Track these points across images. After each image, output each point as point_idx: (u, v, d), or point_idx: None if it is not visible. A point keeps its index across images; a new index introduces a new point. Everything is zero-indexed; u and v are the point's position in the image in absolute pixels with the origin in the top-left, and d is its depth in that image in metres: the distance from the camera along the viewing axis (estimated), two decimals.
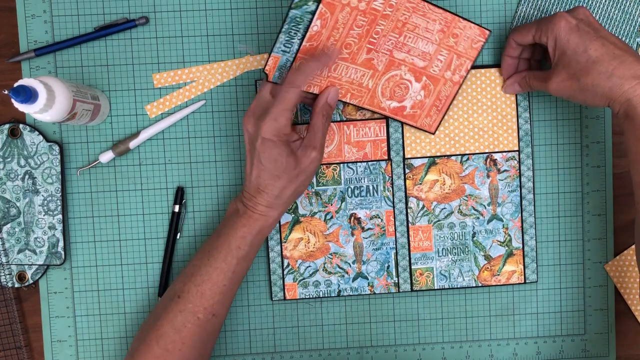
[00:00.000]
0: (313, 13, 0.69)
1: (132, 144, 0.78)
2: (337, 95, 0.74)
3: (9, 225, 0.78)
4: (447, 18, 0.73)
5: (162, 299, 0.73)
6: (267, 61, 0.71)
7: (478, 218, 0.80)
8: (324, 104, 0.73)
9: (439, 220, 0.80)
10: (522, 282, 0.81)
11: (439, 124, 0.78)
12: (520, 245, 0.80)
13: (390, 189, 0.80)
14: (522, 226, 0.80)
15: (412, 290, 0.80)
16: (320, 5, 0.68)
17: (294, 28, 0.69)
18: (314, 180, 0.79)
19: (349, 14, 0.70)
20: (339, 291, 0.80)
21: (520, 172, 0.80)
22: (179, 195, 0.79)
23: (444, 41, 0.74)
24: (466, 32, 0.73)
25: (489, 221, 0.80)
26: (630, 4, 0.80)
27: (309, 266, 0.80)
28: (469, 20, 0.74)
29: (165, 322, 0.71)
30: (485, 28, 0.74)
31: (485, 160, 0.80)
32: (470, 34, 0.74)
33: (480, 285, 0.81)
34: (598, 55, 0.67)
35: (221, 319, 0.73)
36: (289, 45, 0.70)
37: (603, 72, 0.67)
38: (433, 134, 0.78)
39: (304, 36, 0.70)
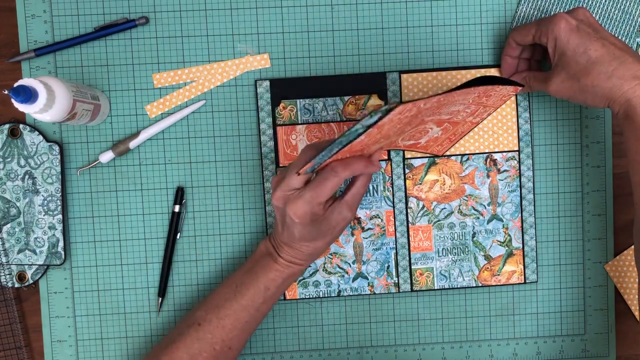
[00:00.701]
0: (370, 126, 0.59)
1: (132, 144, 0.78)
2: (379, 167, 0.69)
3: (9, 225, 0.78)
4: (487, 88, 0.67)
5: (181, 323, 0.74)
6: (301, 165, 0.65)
7: (478, 218, 0.80)
8: (367, 176, 0.70)
9: (439, 220, 0.80)
10: (522, 282, 0.81)
11: (448, 149, 0.78)
12: (520, 245, 0.80)
13: (390, 189, 0.80)
14: (522, 226, 0.80)
15: (412, 290, 0.80)
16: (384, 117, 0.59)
17: (338, 145, 0.62)
18: None
19: (400, 116, 0.61)
20: (339, 291, 0.80)
21: (520, 172, 0.80)
22: (179, 195, 0.79)
23: (475, 100, 0.70)
24: (501, 91, 0.70)
25: (489, 221, 0.80)
26: (630, 4, 0.80)
27: (309, 266, 0.80)
28: (505, 84, 0.68)
29: (182, 347, 0.71)
30: (518, 84, 0.69)
31: (485, 160, 0.80)
32: (504, 92, 0.71)
33: (480, 285, 0.81)
34: (598, 55, 0.67)
35: (236, 353, 0.74)
36: (328, 153, 0.64)
37: (603, 73, 0.67)
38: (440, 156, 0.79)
39: (347, 144, 0.62)
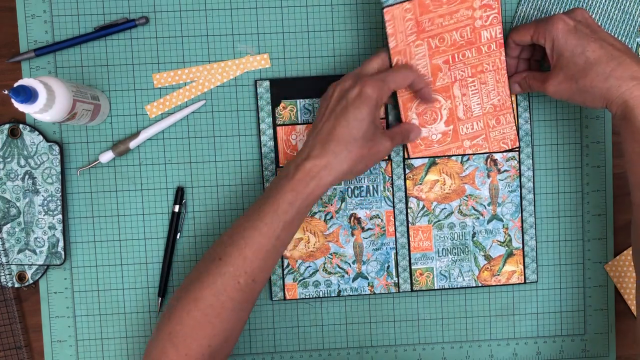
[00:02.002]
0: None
1: (132, 144, 0.78)
2: (419, 136, 0.77)
3: (9, 225, 0.78)
4: (506, 102, 0.77)
5: (201, 262, 0.71)
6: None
7: (478, 218, 0.80)
8: (408, 131, 0.76)
9: (439, 221, 0.80)
10: (522, 282, 0.81)
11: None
12: (520, 245, 0.80)
13: (390, 189, 0.80)
14: (522, 226, 0.80)
15: (412, 290, 0.80)
16: None
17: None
18: None
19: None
20: (339, 291, 0.80)
21: (520, 172, 0.80)
22: (179, 195, 0.79)
23: (487, 116, 0.77)
24: (505, 127, 0.76)
25: (489, 221, 0.80)
26: (630, 4, 0.80)
27: (309, 266, 0.80)
28: (515, 119, 0.78)
29: (205, 285, 0.69)
30: (517, 144, 0.78)
31: (486, 160, 0.80)
32: (507, 133, 0.77)
33: (480, 285, 0.81)
34: (596, 56, 0.67)
35: (260, 286, 0.71)
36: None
37: (601, 74, 0.67)
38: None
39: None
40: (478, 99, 0.77)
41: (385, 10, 0.72)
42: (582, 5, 0.79)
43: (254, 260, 0.69)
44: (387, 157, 0.79)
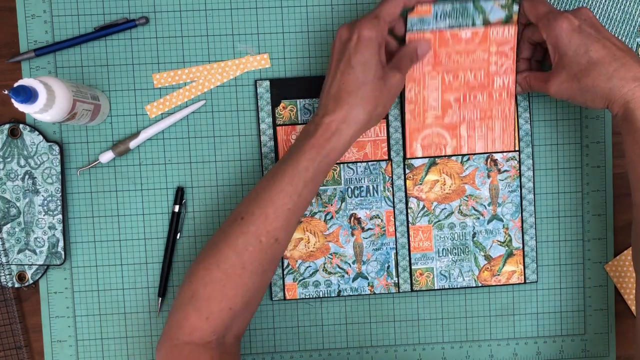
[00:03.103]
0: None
1: (132, 144, 0.78)
2: (428, 51, 0.75)
3: (9, 225, 0.78)
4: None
5: (224, 223, 0.71)
6: None
7: (478, 218, 0.80)
8: (414, 49, 0.73)
9: (439, 221, 0.80)
10: (522, 282, 0.81)
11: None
12: (520, 245, 0.80)
13: (391, 189, 0.80)
14: (522, 226, 0.80)
15: (412, 290, 0.80)
16: None
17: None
18: None
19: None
20: (339, 291, 0.80)
21: (520, 172, 0.80)
22: (179, 195, 0.79)
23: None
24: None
25: (489, 221, 0.80)
26: (630, 4, 0.80)
27: (309, 266, 0.80)
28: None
29: (227, 244, 0.68)
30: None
31: (486, 160, 0.80)
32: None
33: (480, 285, 0.81)
34: (599, 57, 0.67)
35: (283, 246, 0.71)
36: None
37: (603, 74, 0.67)
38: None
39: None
40: (483, 143, 0.79)
41: (408, 36, 0.75)
42: (583, 5, 0.79)
43: (275, 219, 0.68)
44: (387, 158, 0.79)
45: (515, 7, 0.75)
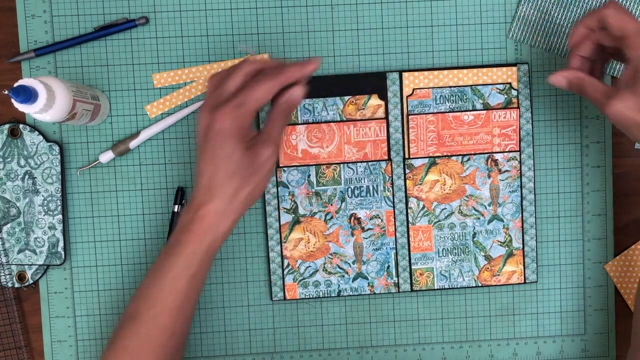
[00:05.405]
0: None
1: (132, 144, 0.78)
2: (303, 94, 0.68)
3: (9, 225, 0.78)
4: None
5: (118, 322, 0.70)
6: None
7: (478, 218, 0.80)
8: (285, 101, 0.68)
9: (439, 221, 0.80)
10: (522, 282, 0.81)
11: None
12: (521, 246, 0.80)
13: (391, 189, 0.80)
14: (522, 226, 0.80)
15: (412, 290, 0.80)
16: None
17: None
18: (314, 180, 0.79)
19: None
20: (339, 291, 0.80)
21: (521, 172, 0.80)
22: (179, 195, 0.79)
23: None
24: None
25: (490, 221, 0.80)
26: (630, 4, 0.80)
27: (309, 266, 0.80)
28: None
29: (123, 347, 0.67)
30: None
31: (486, 160, 0.79)
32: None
33: (480, 285, 0.81)
34: None
35: (181, 339, 0.69)
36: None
37: None
38: None
39: None
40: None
41: (410, 117, 0.78)
42: (584, 6, 0.79)
43: (167, 316, 0.66)
44: (387, 158, 0.79)
45: (514, 92, 0.78)
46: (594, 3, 0.79)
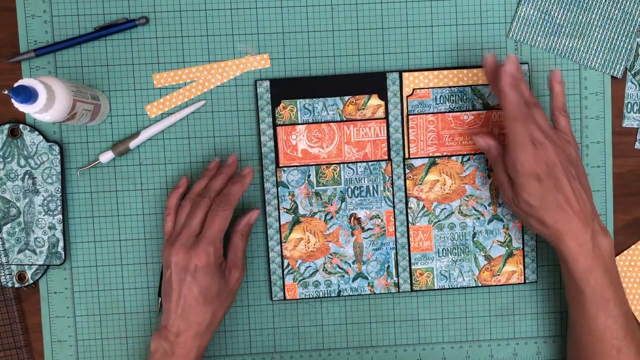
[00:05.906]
0: None
1: (132, 144, 0.78)
2: (257, 217, 0.76)
3: (9, 225, 0.78)
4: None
5: None
6: None
7: (478, 218, 0.80)
8: (245, 225, 0.75)
9: (439, 221, 0.80)
10: (522, 282, 0.81)
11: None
12: (521, 246, 0.80)
13: (391, 189, 0.80)
14: (522, 226, 0.80)
15: (412, 290, 0.80)
16: None
17: None
18: (314, 180, 0.79)
19: None
20: (339, 291, 0.80)
21: None
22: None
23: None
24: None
25: (490, 221, 0.80)
26: (630, 4, 0.80)
27: (309, 266, 0.80)
28: None
29: None
30: None
31: (487, 160, 0.79)
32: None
33: (480, 285, 0.81)
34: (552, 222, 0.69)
35: None
36: None
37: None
38: None
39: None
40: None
41: (410, 117, 0.78)
42: (582, 5, 0.79)
43: None
44: (387, 158, 0.79)
45: None
46: (593, 3, 0.80)
